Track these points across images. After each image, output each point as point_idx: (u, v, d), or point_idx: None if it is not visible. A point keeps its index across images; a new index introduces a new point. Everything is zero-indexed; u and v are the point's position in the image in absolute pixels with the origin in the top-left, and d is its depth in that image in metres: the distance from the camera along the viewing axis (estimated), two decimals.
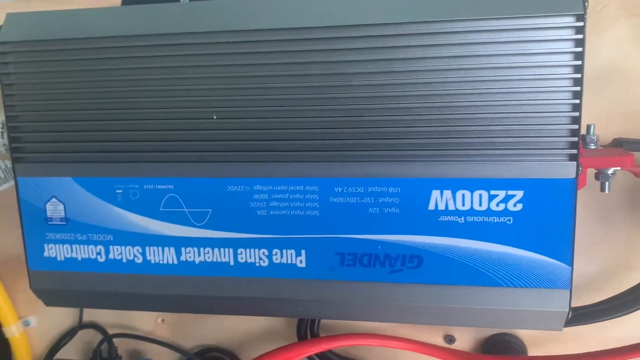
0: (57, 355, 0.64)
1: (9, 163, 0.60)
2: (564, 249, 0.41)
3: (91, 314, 0.63)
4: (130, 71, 0.45)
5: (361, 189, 0.43)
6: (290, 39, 0.43)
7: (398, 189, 0.43)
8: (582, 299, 0.49)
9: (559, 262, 0.41)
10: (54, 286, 0.50)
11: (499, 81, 0.40)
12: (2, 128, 0.50)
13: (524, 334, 0.55)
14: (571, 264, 0.41)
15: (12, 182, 0.61)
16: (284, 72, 0.43)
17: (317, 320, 0.55)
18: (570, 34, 0.39)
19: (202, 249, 0.46)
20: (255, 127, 0.44)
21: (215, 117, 0.44)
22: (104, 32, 0.46)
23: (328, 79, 0.43)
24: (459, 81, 0.41)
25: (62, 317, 0.64)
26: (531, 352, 0.55)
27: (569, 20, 0.39)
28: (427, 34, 0.41)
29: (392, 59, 0.41)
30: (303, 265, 0.45)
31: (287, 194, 0.45)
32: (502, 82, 0.40)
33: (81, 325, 0.63)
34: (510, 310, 0.43)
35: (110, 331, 0.62)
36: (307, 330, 0.55)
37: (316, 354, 0.55)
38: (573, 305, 0.43)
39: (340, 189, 0.44)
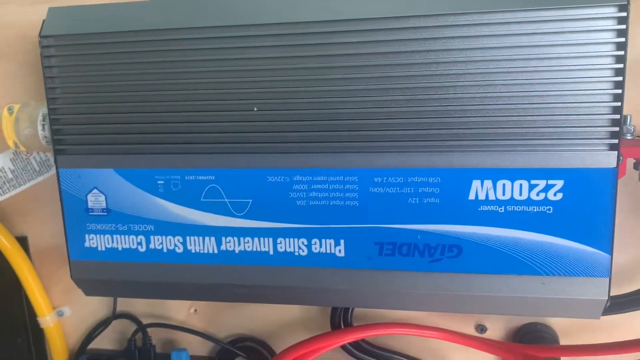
0: (91, 345, 0.65)
1: (44, 156, 0.61)
2: (603, 238, 0.42)
3: (125, 304, 0.64)
4: (170, 64, 0.46)
5: (401, 179, 0.44)
6: (332, 31, 0.43)
7: (438, 179, 0.43)
8: (617, 289, 0.49)
9: (598, 251, 0.42)
10: (94, 276, 0.51)
11: (540, 71, 0.41)
12: (44, 121, 0.51)
13: (556, 324, 0.55)
14: (611, 252, 0.42)
15: (46, 175, 0.62)
16: (324, 64, 0.44)
17: (350, 310, 0.56)
18: (612, 24, 0.39)
19: (242, 239, 0.47)
20: (295, 118, 0.45)
21: (255, 109, 0.45)
22: (145, 26, 0.46)
23: (367, 70, 0.43)
24: (501, 72, 0.41)
25: (96, 308, 0.65)
26: (563, 342, 0.55)
27: (612, 11, 0.39)
28: (471, 24, 0.41)
29: (436, 49, 0.42)
30: (342, 254, 0.46)
31: (326, 184, 0.45)
32: (544, 73, 0.41)
33: (115, 315, 0.64)
34: (550, 298, 0.43)
35: (144, 321, 0.63)
36: (340, 320, 0.56)
37: (349, 343, 0.56)
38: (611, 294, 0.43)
39: (379, 179, 0.44)
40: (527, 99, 0.41)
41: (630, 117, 0.45)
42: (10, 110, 0.52)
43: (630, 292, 0.48)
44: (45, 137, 0.51)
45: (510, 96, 0.41)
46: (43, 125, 0.51)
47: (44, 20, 0.48)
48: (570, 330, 0.55)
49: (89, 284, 0.52)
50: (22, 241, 0.63)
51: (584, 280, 0.43)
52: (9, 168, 0.61)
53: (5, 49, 0.59)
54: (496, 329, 0.57)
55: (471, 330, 0.57)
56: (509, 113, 0.41)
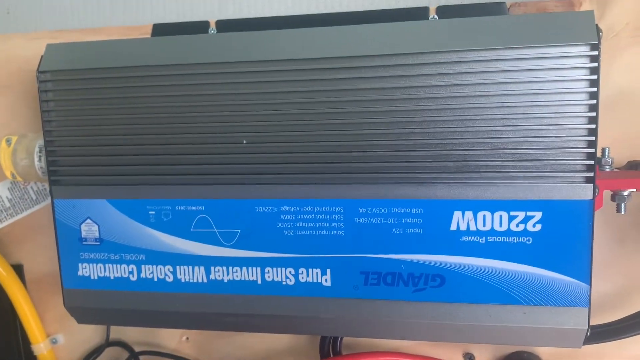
0: None
1: (41, 185, 0.62)
2: (582, 268, 0.43)
3: (117, 332, 0.64)
4: (162, 98, 0.48)
5: (385, 210, 0.45)
6: (313, 68, 0.45)
7: (421, 210, 0.45)
8: (600, 318, 0.50)
9: (577, 281, 0.43)
10: (87, 304, 0.52)
11: (517, 107, 0.42)
12: (40, 152, 0.52)
13: (543, 352, 0.56)
14: (590, 282, 0.43)
15: (43, 204, 0.63)
16: (309, 99, 0.45)
17: (339, 338, 0.56)
18: (585, 62, 0.41)
19: (231, 268, 0.48)
20: (282, 151, 0.46)
21: (244, 142, 0.46)
22: (137, 62, 0.48)
23: (352, 105, 0.45)
24: (480, 107, 0.43)
25: (89, 335, 0.65)
26: None
27: (584, 50, 0.41)
28: (447, 62, 0.43)
29: (414, 86, 0.43)
30: (328, 284, 0.47)
31: (313, 215, 0.46)
32: (521, 108, 0.42)
33: (108, 343, 0.64)
34: (531, 327, 0.44)
35: (136, 349, 0.63)
36: (329, 348, 0.56)
37: None
38: (591, 323, 0.44)
39: (364, 210, 0.46)
40: (506, 133, 0.42)
41: (608, 150, 0.47)
42: (8, 142, 0.54)
43: (611, 322, 0.49)
44: (41, 168, 0.53)
45: (489, 130, 0.43)
46: (39, 156, 0.53)
47: (42, 56, 0.50)
48: (556, 358, 0.55)
49: (82, 312, 0.53)
50: (18, 269, 0.64)
51: (564, 310, 0.43)
52: (7, 197, 0.62)
53: (5, 81, 0.61)
54: (484, 357, 0.57)
55: (459, 359, 0.58)
56: (488, 146, 0.43)
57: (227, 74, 0.47)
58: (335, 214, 0.46)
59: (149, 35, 0.53)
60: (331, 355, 0.57)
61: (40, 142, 0.53)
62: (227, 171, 0.47)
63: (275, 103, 0.46)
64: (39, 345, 0.64)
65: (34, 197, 0.63)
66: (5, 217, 0.63)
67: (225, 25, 0.50)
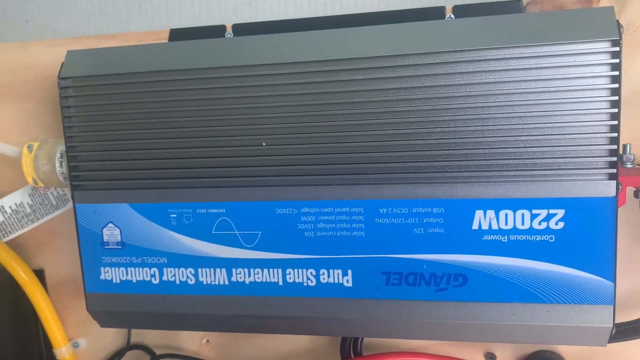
0: None
1: (61, 190, 0.63)
2: (606, 266, 0.42)
3: (138, 335, 0.65)
4: (181, 102, 0.48)
5: (406, 210, 0.45)
6: (330, 69, 0.45)
7: (442, 210, 0.44)
8: (624, 316, 0.49)
9: (601, 279, 0.43)
10: (109, 308, 0.52)
11: (538, 104, 0.42)
12: (62, 158, 0.53)
13: (565, 351, 0.55)
14: (614, 280, 0.42)
15: (63, 209, 0.64)
16: (328, 101, 0.45)
17: (360, 339, 0.56)
18: (606, 58, 0.41)
19: (252, 270, 0.48)
20: (302, 152, 0.46)
21: (264, 144, 0.47)
22: (156, 67, 0.48)
23: (370, 106, 0.45)
24: (500, 105, 0.42)
25: (110, 339, 0.66)
26: None
27: (605, 46, 0.41)
28: (466, 61, 0.43)
29: (433, 85, 0.43)
30: (350, 284, 0.47)
31: (333, 216, 0.46)
32: (542, 105, 0.42)
33: (129, 347, 0.65)
34: (555, 326, 0.44)
35: (157, 352, 0.64)
36: (350, 349, 0.56)
37: None
38: (616, 321, 0.44)
39: (385, 210, 0.46)
40: (527, 131, 0.42)
41: (629, 147, 0.47)
42: (29, 148, 0.55)
43: (636, 320, 0.48)
44: (62, 173, 0.53)
45: (509, 128, 0.43)
46: (61, 162, 0.53)
47: (62, 63, 0.50)
48: (579, 357, 0.55)
49: (104, 316, 0.53)
50: (39, 274, 0.65)
51: (588, 308, 0.43)
52: (28, 203, 0.63)
53: (26, 89, 0.62)
54: (505, 356, 0.57)
55: (480, 358, 0.58)
56: (509, 145, 0.43)
57: (245, 77, 0.47)
58: (355, 214, 0.46)
59: (165, 40, 0.54)
60: (352, 356, 0.57)
61: (62, 147, 0.53)
62: (247, 173, 0.47)
63: (294, 105, 0.46)
64: (61, 349, 0.65)
65: (54, 203, 0.64)
66: (26, 222, 0.64)
67: (242, 29, 0.50)
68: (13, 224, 0.64)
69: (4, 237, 0.64)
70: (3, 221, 0.63)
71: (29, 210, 0.64)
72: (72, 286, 0.65)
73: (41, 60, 0.61)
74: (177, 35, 0.52)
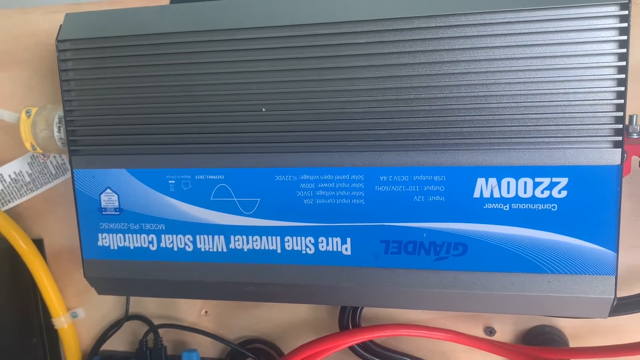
0: (104, 346, 0.66)
1: (60, 159, 0.62)
2: (609, 235, 0.42)
3: (137, 306, 0.65)
4: (180, 66, 0.47)
5: (406, 178, 0.44)
6: (337, 32, 0.44)
7: (443, 177, 0.44)
8: (626, 290, 0.49)
9: (604, 249, 0.42)
10: (107, 275, 0.52)
11: (543, 70, 0.41)
12: (60, 123, 0.52)
13: (565, 326, 0.55)
14: (616, 250, 0.42)
15: (62, 178, 0.63)
16: (330, 65, 0.45)
17: (359, 311, 0.56)
18: (614, 22, 0.40)
19: (250, 237, 0.48)
20: (302, 118, 0.46)
21: (263, 110, 0.46)
22: (156, 29, 0.48)
23: (371, 70, 0.44)
24: (504, 70, 0.42)
25: (108, 309, 0.66)
26: (572, 344, 0.55)
27: (613, 9, 0.39)
28: (470, 25, 0.42)
29: (439, 49, 0.42)
30: (348, 253, 0.46)
31: (333, 183, 0.46)
32: (547, 71, 0.41)
33: (127, 317, 0.65)
34: (555, 297, 0.43)
35: (156, 322, 0.64)
36: (349, 321, 0.56)
37: (358, 344, 0.56)
38: (617, 295, 0.43)
39: (385, 178, 0.45)
40: (531, 97, 0.42)
41: (636, 117, 0.46)
42: (28, 113, 0.54)
43: (637, 294, 0.48)
44: (60, 139, 0.53)
45: (513, 94, 0.42)
46: (59, 127, 0.53)
47: (61, 25, 0.50)
48: (579, 332, 0.55)
49: (102, 283, 0.53)
50: (38, 243, 0.65)
51: (589, 278, 0.43)
52: (27, 172, 0.63)
53: (26, 56, 0.61)
54: (505, 331, 0.57)
55: (480, 333, 0.57)
56: (512, 111, 0.42)
57: (244, 41, 0.46)
58: (355, 182, 0.46)
59: (167, 3, 0.53)
60: (350, 327, 0.56)
61: (60, 113, 0.53)
62: (247, 140, 0.47)
63: (293, 70, 0.45)
64: (60, 318, 0.65)
65: (54, 172, 0.63)
66: (25, 191, 0.64)
67: None
68: (12, 193, 0.64)
69: (3, 206, 0.64)
70: (2, 190, 0.63)
71: (28, 179, 0.63)
72: (71, 256, 0.65)
73: (41, 27, 0.61)
74: None
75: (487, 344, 0.54)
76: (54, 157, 0.63)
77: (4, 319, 0.63)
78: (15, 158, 0.63)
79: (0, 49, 0.62)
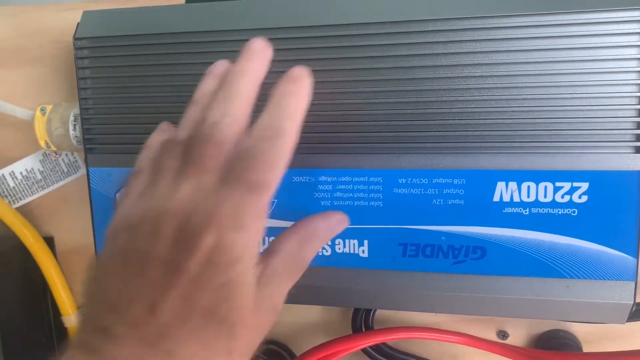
0: None
1: (72, 157, 0.62)
2: (629, 241, 0.42)
3: None
4: (198, 66, 0.47)
5: (425, 180, 0.44)
6: (352, 34, 0.44)
7: (463, 181, 0.44)
8: None
9: (624, 254, 0.42)
10: None
11: (565, 74, 0.41)
12: (75, 121, 0.52)
13: (579, 331, 0.55)
14: (637, 256, 0.42)
15: (74, 177, 0.63)
16: (348, 67, 0.44)
17: (372, 313, 0.56)
18: (638, 27, 0.40)
19: (267, 238, 0.48)
20: (319, 120, 0.45)
21: None
22: (174, 28, 0.48)
23: (392, 72, 0.44)
24: (526, 74, 0.41)
25: None
26: (586, 349, 0.55)
27: (637, 14, 0.39)
28: (492, 28, 0.42)
29: (461, 52, 0.42)
30: (365, 255, 0.46)
31: (351, 185, 0.46)
32: (569, 75, 0.41)
33: None
34: (574, 302, 0.43)
35: None
36: (362, 323, 0.56)
37: (370, 347, 0.56)
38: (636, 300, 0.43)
39: (404, 180, 0.45)
40: (552, 101, 0.41)
41: None
42: (42, 110, 0.54)
43: None
44: (76, 137, 0.53)
45: (535, 98, 0.42)
46: (74, 125, 0.52)
47: (78, 23, 0.49)
48: (593, 337, 0.55)
49: None
50: (49, 241, 0.64)
51: (608, 283, 0.42)
52: (38, 169, 0.63)
53: (39, 53, 0.61)
54: (518, 335, 0.57)
55: (493, 336, 0.57)
56: (534, 115, 0.42)
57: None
58: (374, 184, 0.45)
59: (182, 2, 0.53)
60: (363, 330, 0.56)
61: (75, 110, 0.53)
62: None
63: (313, 71, 0.45)
64: (70, 317, 0.64)
65: (65, 170, 0.63)
66: (36, 189, 0.63)
67: None
68: (23, 190, 0.63)
69: (14, 203, 0.63)
70: (13, 187, 0.63)
71: (39, 177, 0.63)
72: (81, 254, 0.65)
73: (56, 24, 0.60)
74: None
75: (500, 347, 0.54)
76: (66, 154, 0.62)
77: (14, 315, 0.63)
78: (27, 155, 0.62)
79: (13, 46, 0.62)
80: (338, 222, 0.42)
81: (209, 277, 0.33)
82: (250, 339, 0.35)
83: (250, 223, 0.34)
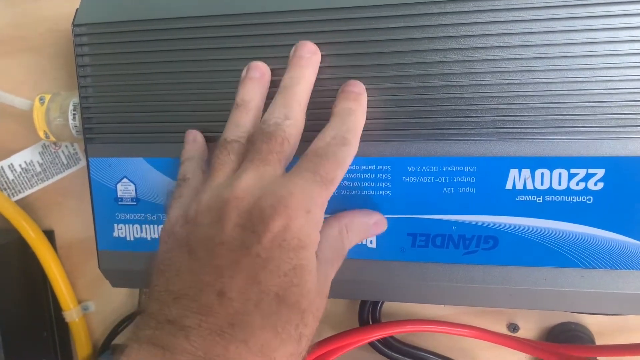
0: (116, 340, 0.65)
1: (72, 149, 0.61)
2: None
3: None
4: (202, 52, 0.46)
5: (435, 168, 0.43)
6: (358, 17, 0.43)
7: (474, 168, 0.42)
8: None
9: None
10: (122, 266, 0.50)
11: (580, 57, 0.40)
12: (74, 110, 0.51)
13: (591, 323, 0.54)
14: None
15: (74, 169, 0.62)
16: (358, 51, 0.43)
17: (379, 306, 0.55)
18: None
19: None
20: (326, 107, 0.44)
21: None
22: (174, 14, 0.46)
23: (402, 56, 0.42)
24: (540, 57, 0.40)
25: (120, 303, 0.65)
26: (598, 342, 0.53)
27: None
28: (505, 9, 0.40)
29: (472, 35, 0.41)
30: (373, 246, 0.45)
31: (359, 174, 0.44)
32: (584, 58, 0.40)
33: (139, 311, 0.63)
34: (589, 292, 0.42)
35: None
36: (369, 316, 0.55)
37: (378, 340, 0.54)
38: None
39: (413, 168, 0.43)
40: (567, 85, 0.40)
41: None
42: (41, 100, 0.53)
43: None
44: (75, 126, 0.51)
45: (549, 82, 0.40)
46: (74, 114, 0.51)
47: (77, 9, 0.48)
48: (605, 329, 0.53)
49: (117, 275, 0.51)
50: (49, 235, 0.63)
51: (625, 273, 0.41)
52: (38, 161, 0.61)
53: (38, 42, 0.60)
54: (529, 328, 0.55)
55: (503, 329, 0.56)
56: (547, 100, 0.41)
57: (266, 25, 0.44)
58: (382, 172, 0.44)
59: None
60: (370, 323, 0.55)
61: (75, 100, 0.51)
62: None
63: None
64: (71, 312, 0.63)
65: (65, 162, 0.62)
66: (36, 181, 0.62)
67: None
68: (23, 183, 0.62)
69: (14, 196, 0.62)
70: (13, 180, 0.62)
71: (39, 169, 0.62)
72: (82, 248, 0.64)
73: (54, 13, 0.59)
74: None
75: (510, 340, 0.53)
76: (66, 146, 0.61)
77: (15, 310, 0.62)
78: (26, 147, 0.61)
79: (11, 34, 0.60)
80: (376, 222, 0.43)
81: (278, 260, 0.33)
82: (315, 325, 0.36)
83: (317, 210, 0.36)
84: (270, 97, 0.43)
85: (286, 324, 0.33)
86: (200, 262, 0.34)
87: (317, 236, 0.37)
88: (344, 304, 0.59)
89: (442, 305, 0.55)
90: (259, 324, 0.32)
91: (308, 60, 0.42)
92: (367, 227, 0.43)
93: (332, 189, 0.37)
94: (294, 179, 0.36)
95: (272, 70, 0.44)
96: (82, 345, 0.64)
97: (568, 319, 0.54)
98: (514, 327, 0.56)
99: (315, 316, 0.36)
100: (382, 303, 0.55)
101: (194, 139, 0.45)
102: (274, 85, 0.44)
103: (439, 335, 0.57)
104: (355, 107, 0.40)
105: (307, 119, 0.41)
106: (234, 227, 0.34)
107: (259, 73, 0.43)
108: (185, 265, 0.34)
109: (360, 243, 0.45)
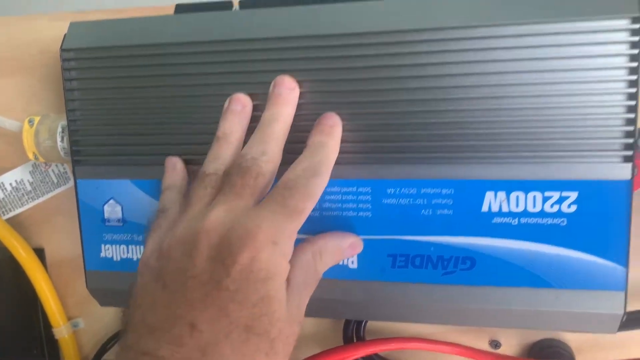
0: (105, 356, 0.65)
1: (62, 168, 0.62)
2: (619, 250, 0.41)
3: None
4: (186, 77, 0.47)
5: (414, 190, 0.44)
6: (345, 44, 0.44)
7: (452, 191, 0.43)
8: (636, 305, 0.48)
9: (613, 264, 0.42)
10: (109, 286, 0.51)
11: (553, 83, 0.41)
12: (63, 132, 0.52)
13: (572, 340, 0.55)
14: (626, 265, 0.41)
15: (64, 187, 0.63)
16: (339, 77, 0.44)
17: (363, 324, 0.56)
18: (625, 36, 0.39)
19: None
20: (307, 130, 0.45)
21: None
22: (162, 39, 0.47)
23: (380, 83, 0.44)
24: (514, 84, 0.41)
25: (109, 320, 0.65)
26: (578, 358, 0.54)
27: (624, 23, 0.39)
28: (481, 37, 0.42)
29: (447, 62, 0.42)
30: (355, 266, 0.46)
31: (340, 195, 0.45)
32: (557, 85, 0.41)
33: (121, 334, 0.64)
34: (564, 312, 0.43)
35: None
36: (353, 334, 0.56)
37: (362, 358, 0.55)
38: (627, 310, 0.43)
39: (393, 191, 0.44)
40: (541, 110, 0.41)
41: None
42: (30, 122, 0.54)
43: None
44: (63, 148, 0.52)
45: (524, 108, 0.41)
46: (62, 137, 0.52)
47: (65, 34, 0.49)
48: (585, 346, 0.54)
49: (104, 294, 0.52)
50: (39, 253, 0.64)
51: (598, 293, 0.42)
52: (28, 180, 0.62)
53: (29, 63, 0.61)
54: (511, 344, 0.56)
55: (485, 346, 0.57)
56: (523, 125, 0.42)
57: (251, 52, 0.45)
58: (362, 194, 0.45)
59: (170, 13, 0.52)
60: (355, 341, 0.56)
61: (63, 122, 0.52)
62: None
63: (300, 80, 0.45)
64: (60, 328, 0.64)
65: (55, 180, 0.63)
66: (26, 200, 0.63)
67: (248, 3, 0.49)
68: (13, 202, 0.63)
69: (4, 214, 0.63)
70: (3, 198, 0.62)
71: (29, 188, 0.63)
72: (72, 266, 0.64)
73: (45, 35, 0.60)
74: (182, 10, 0.51)
75: (493, 357, 0.53)
76: (56, 166, 0.62)
77: (5, 328, 0.62)
78: (16, 166, 0.62)
79: (3, 55, 0.61)
80: (350, 245, 0.44)
81: (246, 292, 0.35)
82: (287, 352, 0.37)
83: (285, 241, 0.37)
84: (254, 120, 0.44)
85: (255, 352, 0.34)
86: (174, 296, 0.35)
87: (287, 266, 0.38)
88: (329, 322, 0.59)
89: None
90: (229, 353, 0.33)
91: (286, 98, 0.43)
92: (340, 251, 0.44)
93: (302, 220, 0.38)
94: (262, 212, 0.37)
95: (255, 95, 0.45)
96: None
97: (549, 335, 0.55)
98: (495, 344, 0.56)
99: (286, 343, 0.37)
100: (366, 321, 0.56)
101: (174, 167, 0.46)
102: (257, 110, 0.45)
103: (423, 352, 0.57)
104: (327, 140, 0.41)
105: (285, 152, 0.42)
106: (205, 260, 0.35)
107: (240, 106, 0.44)
108: (160, 298, 0.36)
109: (341, 264, 0.46)
